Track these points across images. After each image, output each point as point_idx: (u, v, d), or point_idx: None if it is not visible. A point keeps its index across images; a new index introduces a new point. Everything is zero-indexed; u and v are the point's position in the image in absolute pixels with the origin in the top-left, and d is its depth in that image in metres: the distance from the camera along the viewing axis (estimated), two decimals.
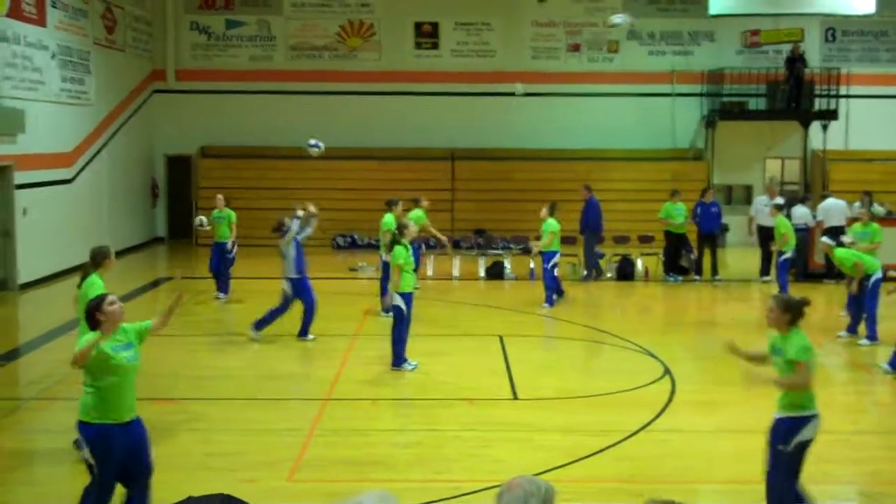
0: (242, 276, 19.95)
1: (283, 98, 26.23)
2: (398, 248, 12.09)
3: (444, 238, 18.70)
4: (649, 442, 9.52)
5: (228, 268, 17.73)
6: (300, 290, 13.73)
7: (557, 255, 16.98)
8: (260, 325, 13.87)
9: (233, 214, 17.73)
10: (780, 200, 18.98)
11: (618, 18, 19.02)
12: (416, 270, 16.35)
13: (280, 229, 13.80)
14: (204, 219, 17.95)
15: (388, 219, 16.01)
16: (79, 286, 9.04)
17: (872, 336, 13.75)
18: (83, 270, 9.13)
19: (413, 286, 12.47)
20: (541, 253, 17.01)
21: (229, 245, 17.61)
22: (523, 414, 10.47)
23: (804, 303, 7.10)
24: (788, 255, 17.15)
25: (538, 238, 17.18)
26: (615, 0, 26.02)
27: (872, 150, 25.92)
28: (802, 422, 6.88)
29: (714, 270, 19.92)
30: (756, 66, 25.98)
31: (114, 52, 23.29)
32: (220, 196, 17.95)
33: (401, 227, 12.57)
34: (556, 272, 17.04)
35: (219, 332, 14.67)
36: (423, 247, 19.56)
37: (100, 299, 6.84)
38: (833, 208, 19.54)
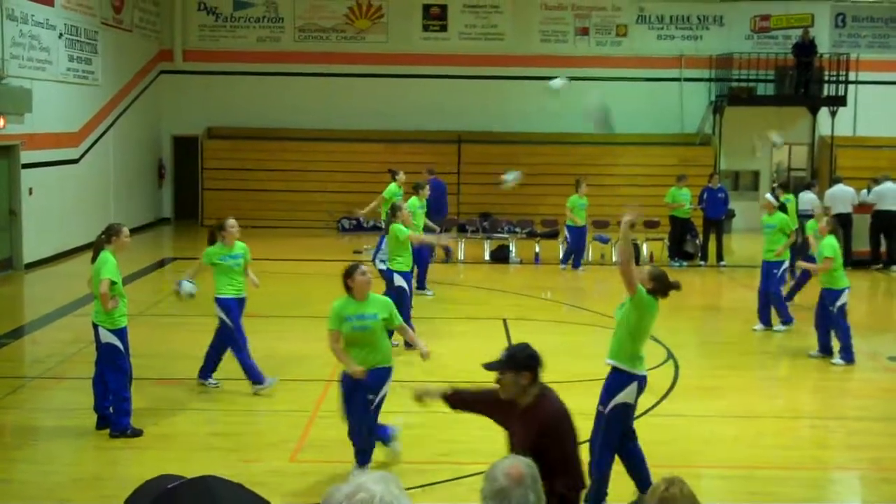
0: (255, 259, 19.95)
1: (290, 80, 26.18)
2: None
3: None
4: (652, 426, 9.51)
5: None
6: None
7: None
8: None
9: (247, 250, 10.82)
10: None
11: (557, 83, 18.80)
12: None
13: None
14: (191, 285, 10.58)
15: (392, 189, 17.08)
16: (93, 262, 9.08)
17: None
18: (95, 247, 9.15)
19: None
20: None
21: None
22: None
23: (673, 285, 7.54)
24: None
25: None
26: None
27: (881, 136, 25.78)
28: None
29: (719, 256, 19.91)
30: (765, 52, 25.86)
31: (121, 32, 23.26)
32: (233, 221, 10.59)
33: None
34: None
35: None
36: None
37: (352, 268, 8.10)
38: (840, 195, 19.44)
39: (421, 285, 15.91)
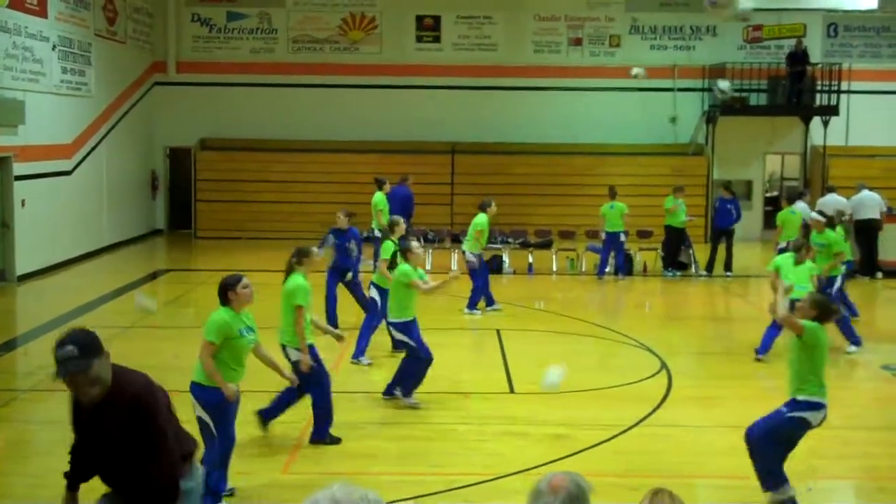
0: (248, 270, 19.94)
1: (283, 91, 26.21)
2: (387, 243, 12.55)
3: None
4: (646, 436, 9.52)
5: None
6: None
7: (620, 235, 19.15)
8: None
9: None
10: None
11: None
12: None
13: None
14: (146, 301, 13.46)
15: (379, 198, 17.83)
16: (284, 282, 9.09)
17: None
18: (287, 267, 9.15)
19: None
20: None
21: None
22: (520, 408, 10.47)
23: (834, 311, 7.57)
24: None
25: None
26: None
27: (873, 146, 25.86)
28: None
29: (727, 266, 19.95)
30: (757, 62, 25.95)
31: (115, 43, 23.26)
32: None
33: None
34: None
35: None
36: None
37: (235, 280, 7.59)
38: (832, 205, 19.42)
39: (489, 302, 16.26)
